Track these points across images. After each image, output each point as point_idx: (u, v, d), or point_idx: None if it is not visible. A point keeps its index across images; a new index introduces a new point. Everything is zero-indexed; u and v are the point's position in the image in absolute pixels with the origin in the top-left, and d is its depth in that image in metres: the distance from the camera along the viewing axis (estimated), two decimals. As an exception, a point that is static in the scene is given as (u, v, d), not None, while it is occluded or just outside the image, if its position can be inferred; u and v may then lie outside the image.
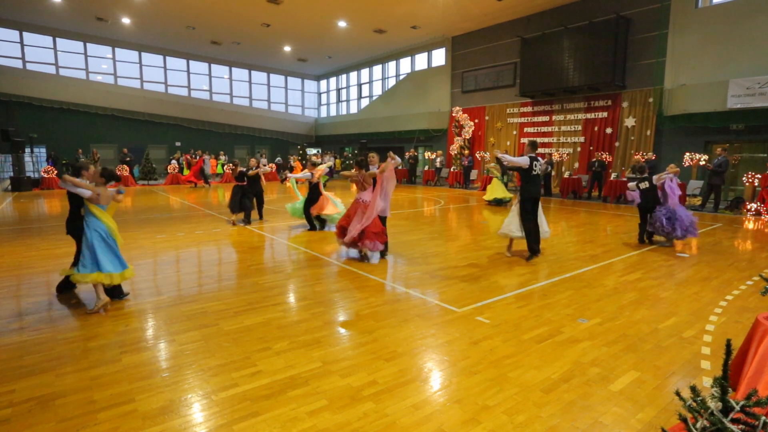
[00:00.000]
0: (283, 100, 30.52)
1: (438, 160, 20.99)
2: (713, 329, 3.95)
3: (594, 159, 14.66)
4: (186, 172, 21.07)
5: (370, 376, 3.09)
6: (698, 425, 1.58)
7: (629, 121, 14.74)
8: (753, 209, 10.96)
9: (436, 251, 7.08)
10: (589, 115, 15.87)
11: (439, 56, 21.98)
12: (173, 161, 21.64)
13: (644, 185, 7.38)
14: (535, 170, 6.31)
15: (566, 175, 15.64)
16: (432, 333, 3.85)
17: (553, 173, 16.57)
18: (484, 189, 15.69)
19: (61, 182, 4.33)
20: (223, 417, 2.60)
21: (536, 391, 2.91)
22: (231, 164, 11.11)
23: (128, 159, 21.02)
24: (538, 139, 17.57)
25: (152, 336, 3.79)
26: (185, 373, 3.11)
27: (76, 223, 4.56)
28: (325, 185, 9.45)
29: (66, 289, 4.86)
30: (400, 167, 6.59)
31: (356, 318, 4.23)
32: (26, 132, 19.96)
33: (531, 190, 6.32)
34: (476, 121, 19.78)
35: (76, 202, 4.57)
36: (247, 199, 9.40)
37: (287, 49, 23.98)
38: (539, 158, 6.43)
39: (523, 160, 6.24)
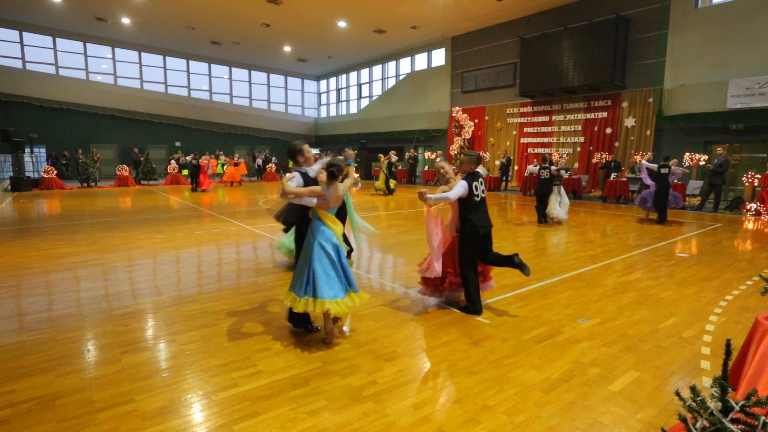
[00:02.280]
0: (283, 100, 30.53)
1: (438, 160, 20.97)
2: (713, 329, 3.95)
3: (609, 159, 14.55)
4: (185, 172, 21.03)
5: (370, 376, 3.09)
6: (698, 425, 1.58)
7: (629, 121, 14.75)
8: (753, 209, 10.96)
9: (436, 251, 7.07)
10: (588, 115, 15.87)
11: (439, 56, 21.99)
12: (172, 161, 21.65)
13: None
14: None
15: (566, 175, 15.61)
16: (432, 333, 3.85)
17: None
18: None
19: (282, 195, 3.42)
20: (223, 417, 2.60)
21: (536, 391, 2.91)
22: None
23: (141, 159, 21.04)
24: (538, 139, 17.60)
25: (152, 336, 3.79)
26: (185, 373, 3.11)
27: (302, 229, 3.71)
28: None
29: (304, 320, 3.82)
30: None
31: (356, 318, 4.23)
32: (26, 132, 19.97)
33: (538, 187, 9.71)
34: (476, 121, 19.78)
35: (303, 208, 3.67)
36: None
37: (287, 49, 23.98)
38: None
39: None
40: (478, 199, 4.32)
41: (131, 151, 22.42)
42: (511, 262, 4.27)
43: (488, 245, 4.45)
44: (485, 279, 4.57)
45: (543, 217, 9.77)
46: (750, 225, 9.87)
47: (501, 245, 7.46)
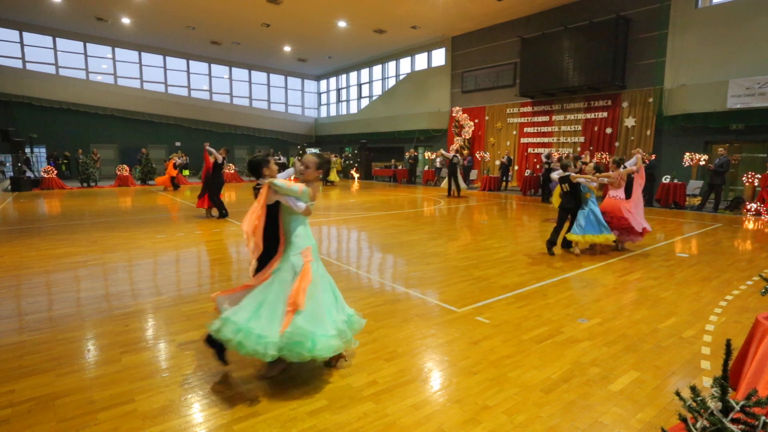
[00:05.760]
0: (283, 100, 30.53)
1: (438, 160, 21.02)
2: (713, 329, 3.95)
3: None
4: (186, 172, 20.97)
5: (370, 376, 3.09)
6: (698, 425, 1.58)
7: (629, 121, 14.75)
8: (753, 209, 10.96)
9: (436, 251, 7.08)
10: (589, 115, 15.87)
11: (439, 56, 21.99)
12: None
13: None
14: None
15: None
16: (432, 333, 3.85)
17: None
18: (483, 187, 15.72)
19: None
20: (223, 417, 2.60)
21: (536, 391, 2.91)
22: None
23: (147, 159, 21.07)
24: (538, 139, 17.60)
25: (152, 336, 3.79)
26: (185, 373, 3.11)
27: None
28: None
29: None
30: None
31: (356, 318, 4.22)
32: (26, 132, 19.96)
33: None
34: (476, 121, 19.79)
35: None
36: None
37: (287, 49, 23.98)
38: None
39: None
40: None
41: (138, 151, 22.23)
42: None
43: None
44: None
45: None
46: (750, 225, 9.86)
47: (501, 245, 7.46)
